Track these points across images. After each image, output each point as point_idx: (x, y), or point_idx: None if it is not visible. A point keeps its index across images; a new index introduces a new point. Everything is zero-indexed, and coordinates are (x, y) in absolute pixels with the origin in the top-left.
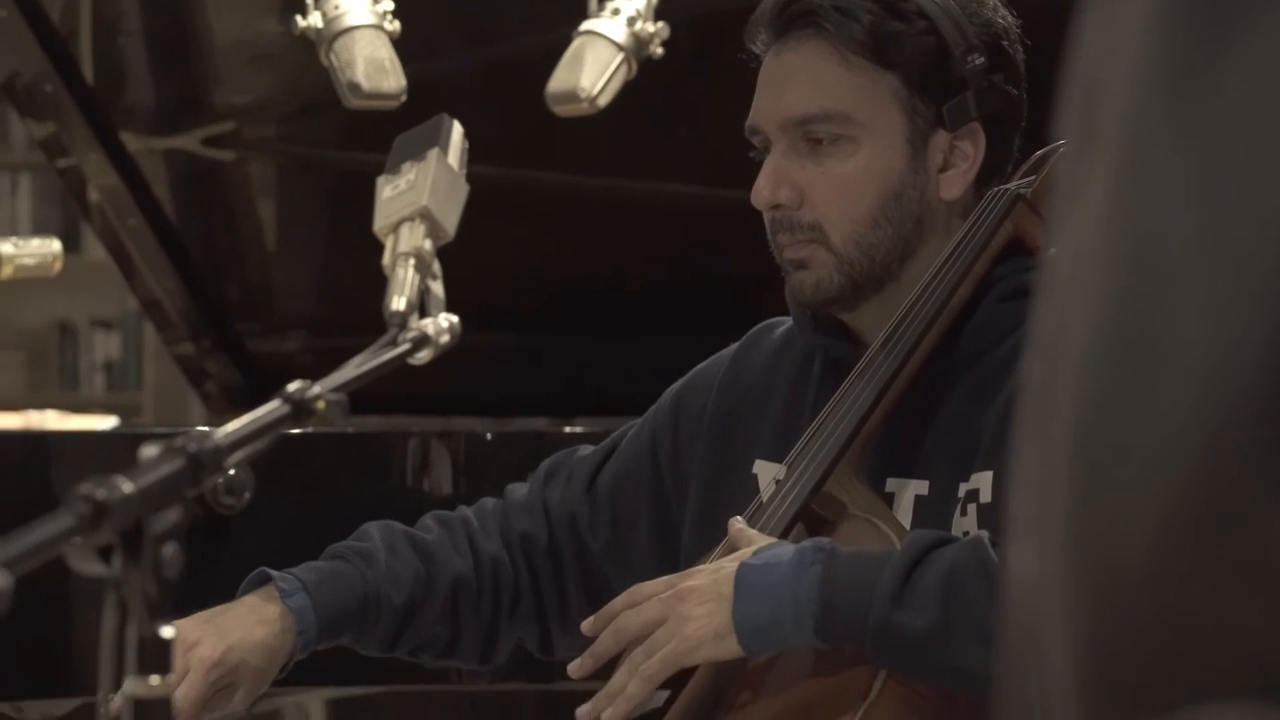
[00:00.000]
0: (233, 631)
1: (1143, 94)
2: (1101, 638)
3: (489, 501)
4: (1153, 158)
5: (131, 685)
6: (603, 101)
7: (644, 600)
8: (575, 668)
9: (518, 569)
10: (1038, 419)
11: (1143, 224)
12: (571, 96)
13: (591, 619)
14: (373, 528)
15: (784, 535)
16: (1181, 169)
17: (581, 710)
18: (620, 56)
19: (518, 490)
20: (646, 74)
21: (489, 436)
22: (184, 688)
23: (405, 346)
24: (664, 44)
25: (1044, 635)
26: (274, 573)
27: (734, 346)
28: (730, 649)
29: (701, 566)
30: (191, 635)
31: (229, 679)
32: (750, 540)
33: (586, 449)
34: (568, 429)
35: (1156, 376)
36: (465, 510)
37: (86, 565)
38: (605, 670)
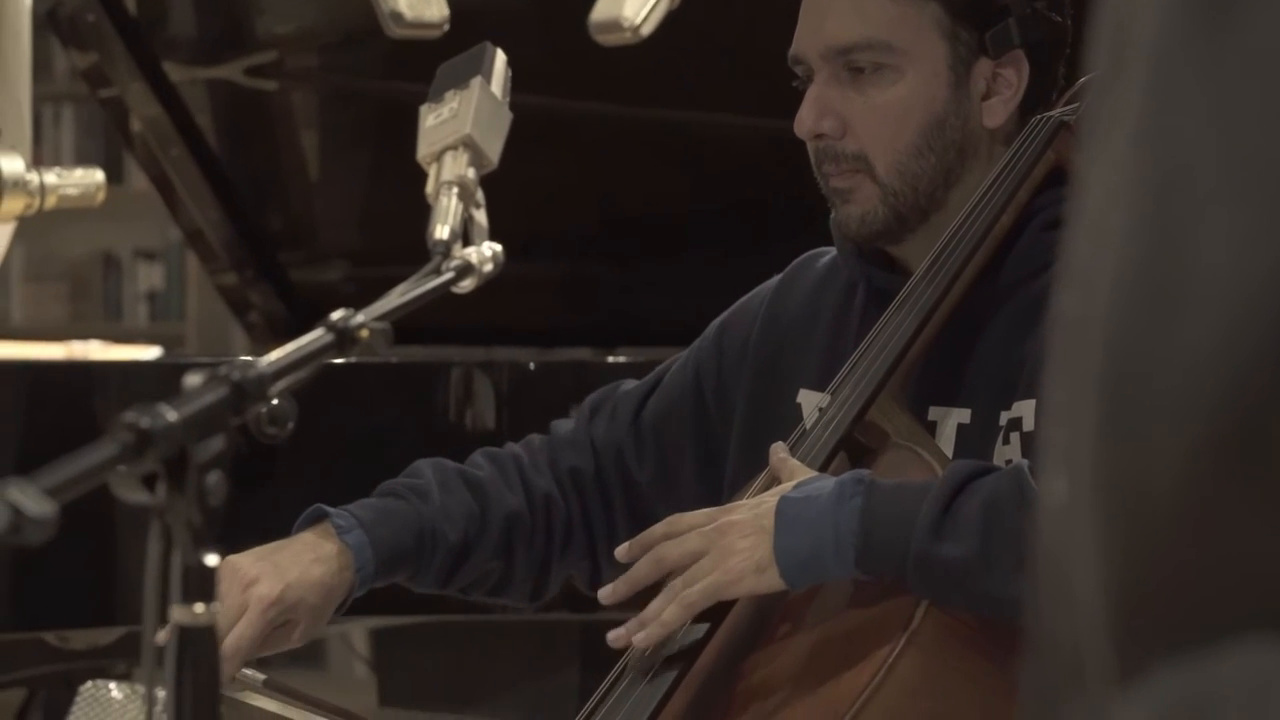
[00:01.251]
0: (290, 569)
1: (1169, 26)
2: (1131, 570)
3: (535, 438)
4: (1179, 89)
5: (177, 613)
6: (646, 31)
7: (685, 531)
8: (608, 593)
9: (569, 504)
10: (1069, 350)
11: (1170, 156)
12: (614, 26)
13: (627, 545)
14: (424, 465)
15: (826, 464)
16: (1208, 100)
17: (613, 634)
18: None
19: (563, 426)
20: (690, 3)
21: (532, 366)
22: (242, 625)
23: (449, 275)
24: None
25: (1073, 567)
26: (330, 509)
27: (777, 278)
28: (772, 582)
29: (742, 500)
30: (249, 572)
31: (286, 616)
32: (791, 471)
33: (630, 383)
34: (611, 359)
35: (1184, 308)
36: (514, 446)
37: (131, 493)
38: (637, 598)
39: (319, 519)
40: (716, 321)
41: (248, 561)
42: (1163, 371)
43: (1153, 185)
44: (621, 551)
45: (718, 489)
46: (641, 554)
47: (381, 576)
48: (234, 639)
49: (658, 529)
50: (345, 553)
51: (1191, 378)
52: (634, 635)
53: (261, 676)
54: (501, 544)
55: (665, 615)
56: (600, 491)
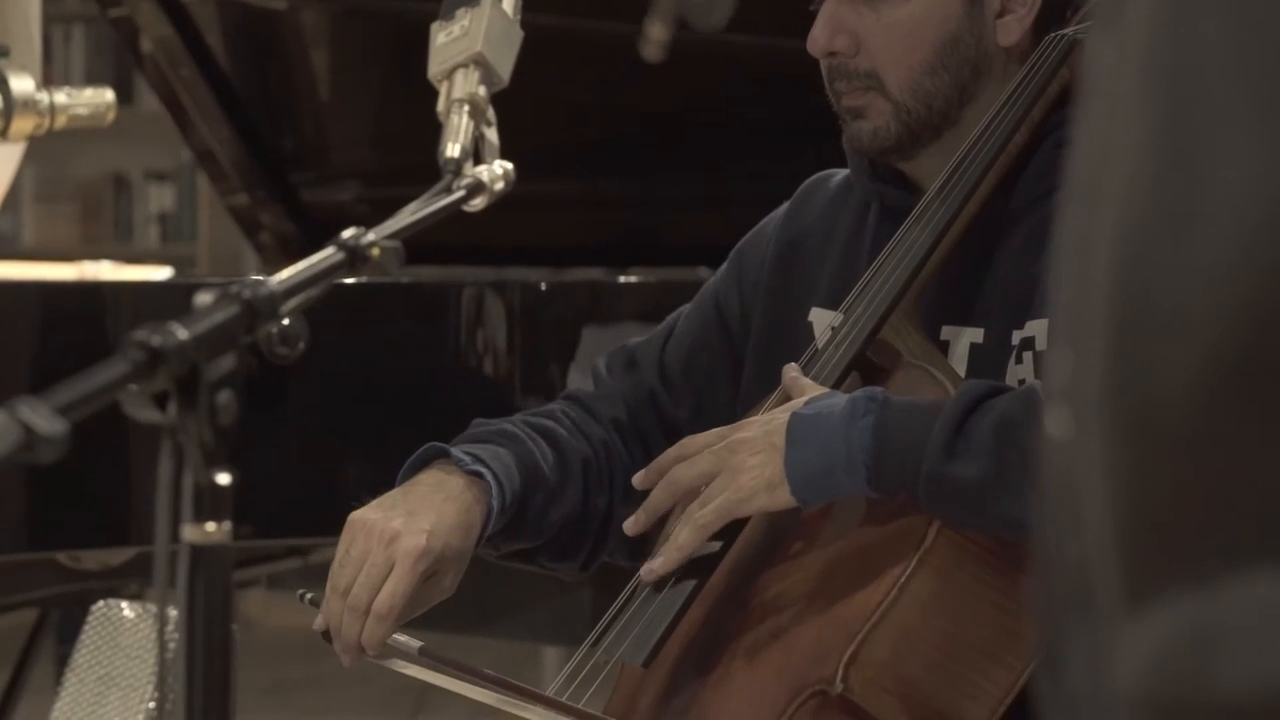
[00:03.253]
0: (426, 515)
1: None
2: (1139, 495)
3: (563, 401)
4: (1194, 1)
5: (188, 532)
6: None
7: (695, 452)
8: (630, 524)
9: (621, 452)
10: (1074, 268)
11: (1184, 70)
12: None
13: (642, 473)
14: (487, 421)
15: (838, 383)
16: (1223, 12)
17: (645, 568)
18: None
19: (583, 390)
20: None
21: (544, 286)
22: (393, 582)
23: (460, 193)
24: None
25: (1081, 491)
26: (445, 446)
27: (787, 202)
28: (783, 499)
29: (753, 418)
30: (388, 527)
31: (435, 567)
32: (803, 389)
33: (636, 339)
34: (623, 279)
35: (1198, 224)
36: (551, 405)
37: (142, 412)
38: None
39: (429, 460)
40: (732, 252)
41: (379, 515)
42: (1174, 289)
43: (1165, 99)
44: (638, 478)
45: None
46: (657, 479)
47: (504, 511)
48: (385, 598)
49: (670, 452)
50: (474, 484)
51: (1203, 295)
52: (655, 561)
53: (417, 644)
54: (582, 489)
55: (680, 539)
56: (641, 440)
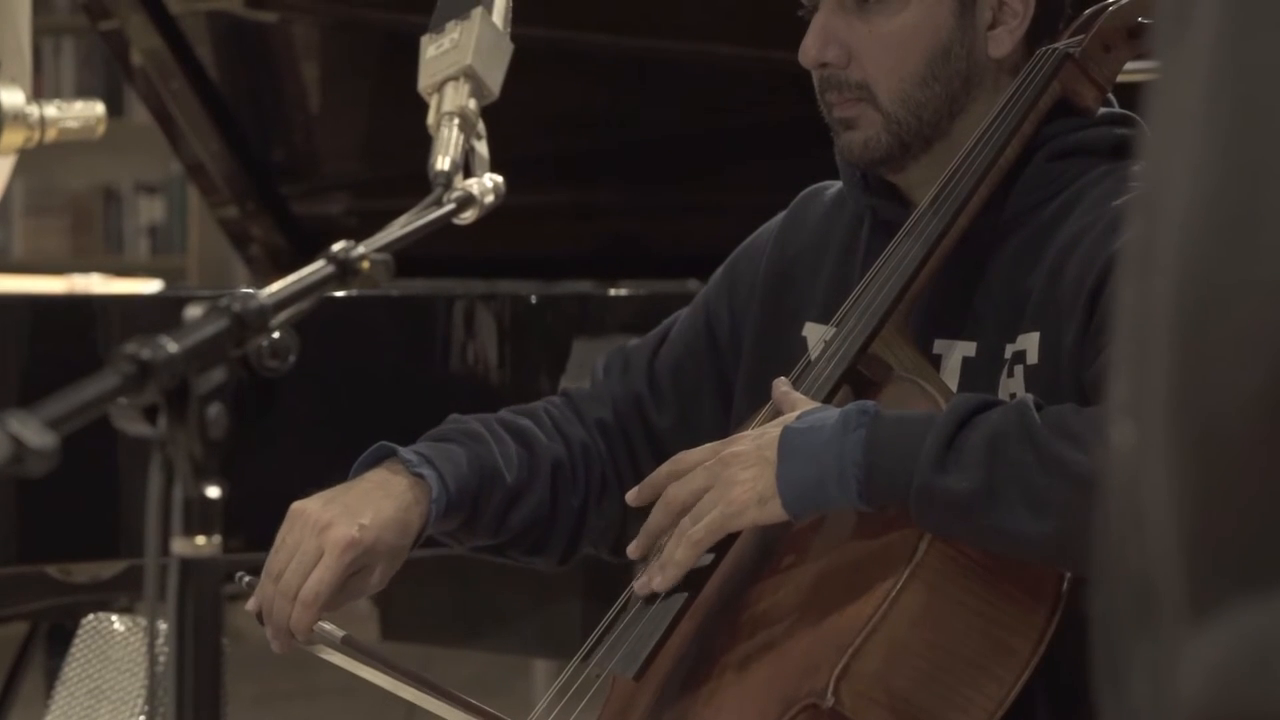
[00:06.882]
0: (363, 509)
1: None
2: (1205, 506)
3: (555, 398)
4: (1259, 13)
5: (178, 545)
6: None
7: (689, 469)
8: (634, 549)
9: (601, 453)
10: (1136, 282)
11: (1246, 86)
12: None
13: (636, 490)
14: (464, 417)
15: (830, 396)
16: None
17: (637, 584)
18: None
19: (578, 388)
20: None
21: (534, 299)
22: (319, 571)
23: (450, 207)
24: None
25: (1146, 505)
26: (396, 446)
27: (782, 213)
28: (774, 513)
29: (745, 432)
30: (322, 516)
31: (365, 560)
32: (794, 403)
33: (634, 342)
34: (613, 292)
35: (1258, 242)
36: (538, 403)
37: (132, 425)
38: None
39: (380, 459)
40: (726, 261)
41: (316, 506)
42: (1235, 304)
43: (1228, 117)
44: (631, 495)
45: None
46: (651, 495)
47: (451, 512)
48: (312, 585)
49: (663, 468)
50: (417, 485)
51: (1264, 311)
52: (654, 579)
53: (340, 633)
54: (548, 490)
55: (676, 557)
56: (625, 443)
